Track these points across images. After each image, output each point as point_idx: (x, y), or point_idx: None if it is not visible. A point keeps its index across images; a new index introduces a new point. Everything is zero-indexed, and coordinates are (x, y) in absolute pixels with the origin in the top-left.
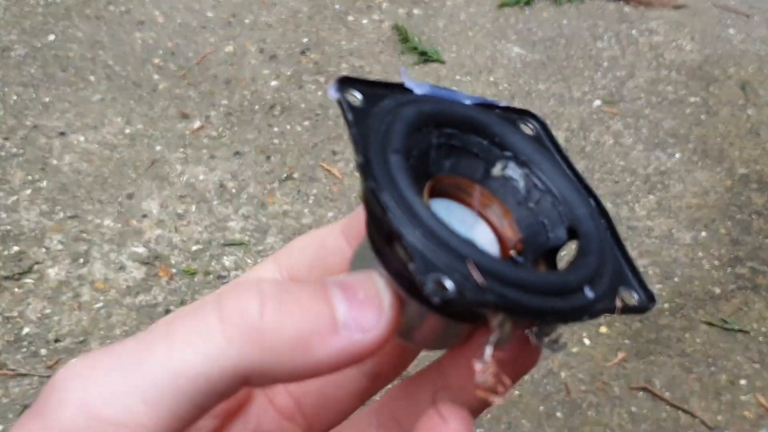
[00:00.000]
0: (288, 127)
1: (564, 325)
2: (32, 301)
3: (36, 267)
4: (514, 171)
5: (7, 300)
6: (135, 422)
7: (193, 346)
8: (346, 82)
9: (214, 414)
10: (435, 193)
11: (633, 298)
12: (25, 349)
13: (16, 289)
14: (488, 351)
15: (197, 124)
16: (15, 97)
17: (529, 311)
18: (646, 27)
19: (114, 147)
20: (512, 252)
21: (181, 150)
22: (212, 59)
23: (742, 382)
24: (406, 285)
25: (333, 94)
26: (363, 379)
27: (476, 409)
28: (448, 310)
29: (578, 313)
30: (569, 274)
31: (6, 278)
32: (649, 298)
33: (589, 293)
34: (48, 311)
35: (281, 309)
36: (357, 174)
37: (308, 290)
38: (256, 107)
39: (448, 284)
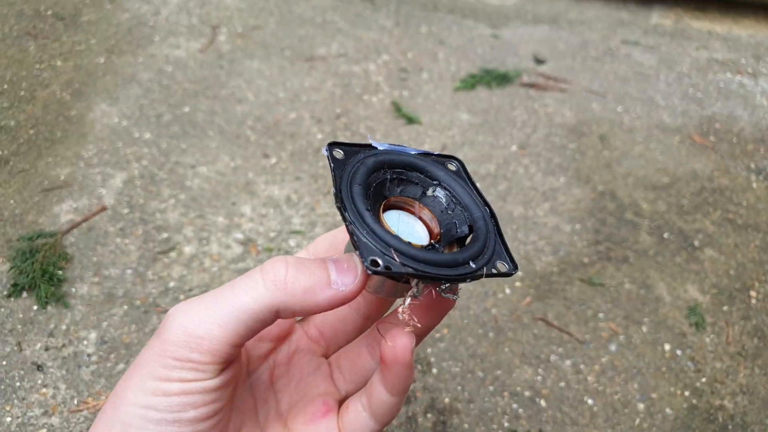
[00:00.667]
0: (326, 163)
1: (457, 284)
2: (175, 267)
3: (177, 246)
4: (439, 192)
5: (159, 266)
6: (212, 336)
7: (246, 293)
8: (333, 145)
9: (269, 339)
10: (391, 207)
11: (504, 267)
12: (170, 296)
13: (165, 260)
14: (407, 301)
15: (273, 160)
16: (165, 145)
17: (430, 276)
18: (542, 102)
19: (224, 174)
20: (432, 241)
21: (264, 176)
22: (283, 122)
23: (600, 315)
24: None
25: (324, 152)
26: (360, 318)
27: (418, 336)
28: (388, 276)
29: (462, 276)
30: (460, 253)
31: (159, 253)
32: (514, 266)
33: (472, 265)
34: (184, 273)
35: (298, 271)
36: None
37: (315, 262)
38: (309, 150)
39: (380, 262)
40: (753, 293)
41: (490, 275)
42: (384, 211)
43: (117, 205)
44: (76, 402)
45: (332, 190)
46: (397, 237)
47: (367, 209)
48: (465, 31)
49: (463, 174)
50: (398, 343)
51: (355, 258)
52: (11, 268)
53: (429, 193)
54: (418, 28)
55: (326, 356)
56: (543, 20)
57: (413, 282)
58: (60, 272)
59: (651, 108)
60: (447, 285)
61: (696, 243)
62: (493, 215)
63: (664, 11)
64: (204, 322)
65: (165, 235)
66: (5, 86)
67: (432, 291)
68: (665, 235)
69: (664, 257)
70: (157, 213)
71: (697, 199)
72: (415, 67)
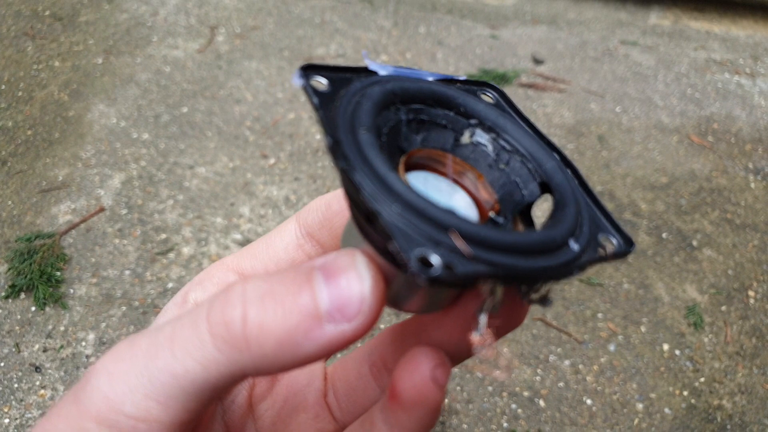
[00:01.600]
0: (326, 162)
1: (556, 283)
2: (173, 268)
3: (175, 247)
4: (481, 137)
5: (158, 267)
6: (152, 418)
7: (190, 355)
8: (310, 69)
9: None
10: (410, 167)
11: (612, 243)
12: (168, 297)
13: (164, 260)
14: (483, 320)
15: (272, 161)
16: (163, 146)
17: (522, 275)
18: (541, 103)
19: (222, 175)
20: (491, 214)
21: (262, 177)
22: (281, 122)
23: (599, 315)
24: (392, 260)
25: (296, 80)
26: None
27: (457, 359)
28: (451, 284)
29: (568, 269)
30: (553, 229)
31: (158, 254)
32: (627, 242)
33: (574, 246)
34: (183, 274)
35: (264, 312)
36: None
37: (291, 282)
38: (308, 150)
39: (434, 259)
40: (751, 293)
41: (602, 260)
42: (410, 167)
43: (115, 206)
44: None
45: (324, 142)
46: (450, 211)
47: (391, 169)
48: (463, 31)
49: (506, 107)
50: (422, 372)
51: (358, 260)
52: (9, 269)
53: (465, 139)
54: (416, 28)
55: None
56: (542, 21)
57: (486, 288)
58: (58, 273)
59: (649, 108)
60: (534, 286)
61: (694, 243)
62: (569, 163)
63: (663, 11)
64: (137, 396)
65: (163, 235)
66: (3, 87)
67: (515, 297)
68: (664, 235)
69: (662, 257)
70: (156, 214)
71: (695, 199)
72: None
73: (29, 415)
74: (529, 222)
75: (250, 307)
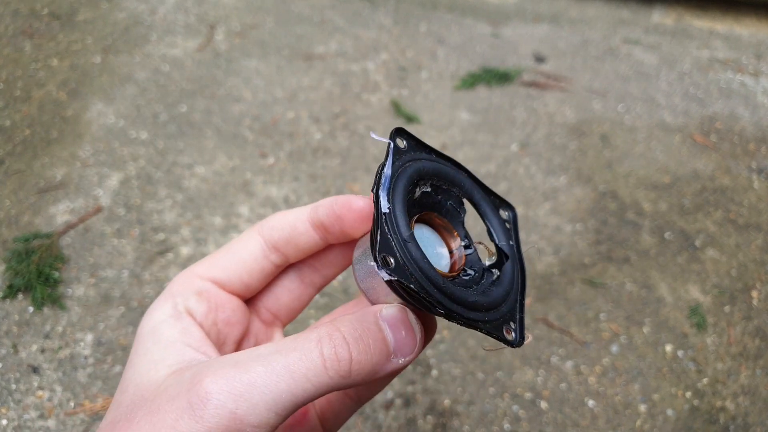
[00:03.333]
0: (326, 162)
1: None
2: (172, 268)
3: (174, 247)
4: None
5: (156, 267)
6: (269, 425)
7: (309, 381)
8: (399, 131)
9: (232, 342)
10: (425, 222)
11: (511, 335)
12: None
13: (162, 261)
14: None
15: (271, 160)
16: (161, 145)
17: (428, 301)
18: (543, 102)
19: (221, 174)
20: (458, 268)
21: (262, 176)
22: (280, 121)
23: (602, 315)
24: (412, 302)
25: (374, 136)
26: (314, 292)
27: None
28: (415, 303)
29: (474, 323)
30: (481, 297)
31: (156, 253)
32: (520, 339)
33: (485, 316)
34: None
35: (361, 354)
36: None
37: (372, 330)
38: (308, 150)
39: (391, 261)
40: (754, 293)
41: (495, 337)
42: (417, 221)
43: (113, 206)
44: (72, 404)
45: (372, 190)
46: (427, 261)
47: (407, 224)
48: (465, 29)
49: (511, 226)
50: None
51: (411, 318)
52: (7, 269)
53: (466, 240)
54: (417, 26)
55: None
56: (543, 19)
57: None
58: (56, 274)
59: (652, 107)
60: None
61: (697, 243)
62: (522, 270)
63: (666, 10)
64: (261, 410)
65: (162, 235)
66: (1, 86)
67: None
68: (666, 235)
69: (665, 257)
70: (154, 213)
71: (698, 199)
72: (415, 66)
73: (27, 417)
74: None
75: (353, 349)
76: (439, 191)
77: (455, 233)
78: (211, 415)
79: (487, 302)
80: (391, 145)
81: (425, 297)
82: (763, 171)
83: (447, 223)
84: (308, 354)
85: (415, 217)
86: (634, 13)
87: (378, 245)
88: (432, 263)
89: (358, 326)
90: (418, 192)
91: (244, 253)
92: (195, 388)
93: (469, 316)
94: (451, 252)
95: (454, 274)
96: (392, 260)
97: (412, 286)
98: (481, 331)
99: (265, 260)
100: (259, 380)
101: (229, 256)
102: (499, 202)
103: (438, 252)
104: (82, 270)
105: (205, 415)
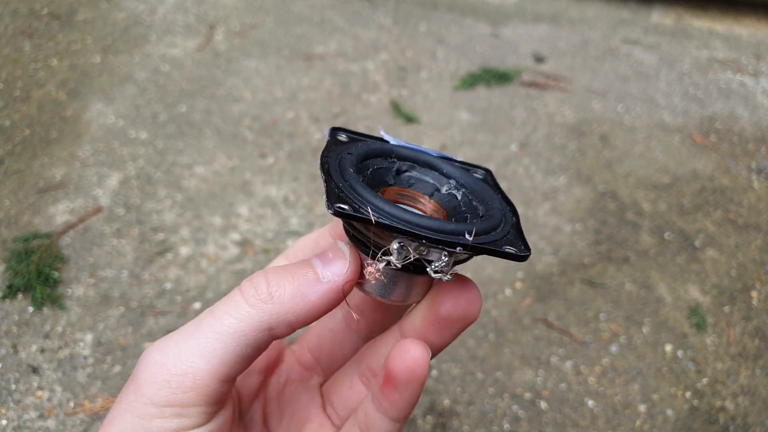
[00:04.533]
0: None
1: (451, 258)
2: (171, 268)
3: (173, 247)
4: (456, 191)
5: (156, 267)
6: (195, 370)
7: (228, 313)
8: (337, 130)
9: (257, 371)
10: (395, 200)
11: (512, 251)
12: (166, 298)
13: (162, 261)
14: (381, 263)
15: (271, 160)
16: (161, 145)
17: (409, 232)
18: (543, 102)
19: (220, 174)
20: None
21: (261, 176)
22: (280, 121)
23: (601, 315)
24: (363, 249)
25: (326, 134)
26: (359, 340)
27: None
28: (352, 219)
29: (454, 243)
30: (457, 224)
31: (155, 254)
32: (526, 248)
33: (468, 237)
34: (181, 274)
35: (280, 277)
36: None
37: (297, 263)
38: (307, 150)
39: (346, 206)
40: (754, 294)
41: (491, 251)
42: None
43: (113, 206)
44: (72, 405)
45: (320, 163)
46: (382, 199)
47: (359, 182)
48: (464, 29)
49: (489, 181)
50: (411, 353)
51: (341, 244)
52: (6, 269)
53: (443, 190)
54: (417, 26)
55: (322, 383)
56: (543, 19)
57: (395, 244)
58: (55, 274)
59: (651, 107)
60: (444, 259)
61: (697, 243)
62: (514, 212)
63: (665, 10)
64: (184, 354)
65: (161, 236)
66: (0, 86)
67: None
68: (666, 236)
69: (664, 257)
70: (154, 213)
71: (697, 199)
72: (414, 66)
73: (27, 417)
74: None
75: (270, 276)
76: (410, 174)
77: (421, 196)
78: (143, 371)
79: (471, 228)
80: (328, 134)
81: (395, 226)
82: (763, 171)
83: (412, 192)
84: (230, 296)
85: (382, 190)
86: (633, 13)
87: (328, 194)
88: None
89: (287, 264)
90: (370, 170)
91: None
92: (139, 362)
93: (447, 238)
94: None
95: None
96: (347, 206)
97: (384, 221)
98: (486, 253)
99: None
100: (184, 329)
101: None
102: (468, 167)
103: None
104: (82, 270)
105: (139, 373)
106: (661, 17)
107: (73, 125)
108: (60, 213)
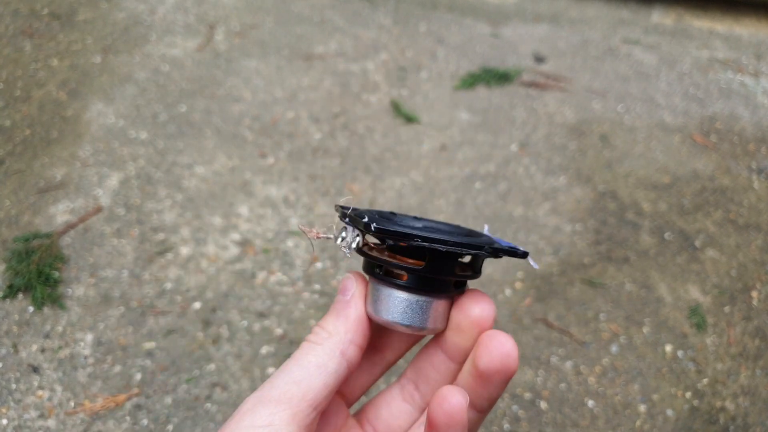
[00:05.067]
0: (326, 162)
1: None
2: (171, 268)
3: (173, 247)
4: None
5: (156, 267)
6: (291, 396)
7: (306, 356)
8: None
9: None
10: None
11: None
12: (166, 298)
13: (162, 261)
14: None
15: (271, 160)
16: (161, 145)
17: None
18: (543, 102)
19: (221, 174)
20: None
21: (261, 176)
22: (280, 121)
23: (601, 316)
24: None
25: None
26: (416, 412)
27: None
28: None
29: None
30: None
31: (156, 254)
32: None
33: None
34: (181, 274)
35: (327, 318)
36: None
37: (333, 304)
38: (307, 150)
39: (365, 220)
40: (754, 294)
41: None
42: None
43: (113, 206)
44: (72, 404)
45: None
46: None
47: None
48: (464, 29)
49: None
50: (450, 401)
51: (347, 274)
52: (7, 269)
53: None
54: (417, 26)
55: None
56: (543, 19)
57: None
58: (56, 273)
59: (652, 107)
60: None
61: (697, 243)
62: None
63: (665, 10)
64: (278, 387)
65: (161, 235)
66: (1, 86)
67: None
68: (666, 236)
69: (665, 258)
70: (154, 213)
71: (698, 199)
72: (414, 66)
73: (27, 416)
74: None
75: (320, 323)
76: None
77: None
78: (244, 409)
79: (473, 241)
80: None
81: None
82: (763, 171)
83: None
84: (300, 348)
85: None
86: (633, 13)
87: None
88: None
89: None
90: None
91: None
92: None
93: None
94: None
95: None
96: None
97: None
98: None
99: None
100: (272, 380)
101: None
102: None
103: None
104: (82, 270)
105: (240, 410)
106: (662, 17)
107: (73, 125)
108: (60, 213)
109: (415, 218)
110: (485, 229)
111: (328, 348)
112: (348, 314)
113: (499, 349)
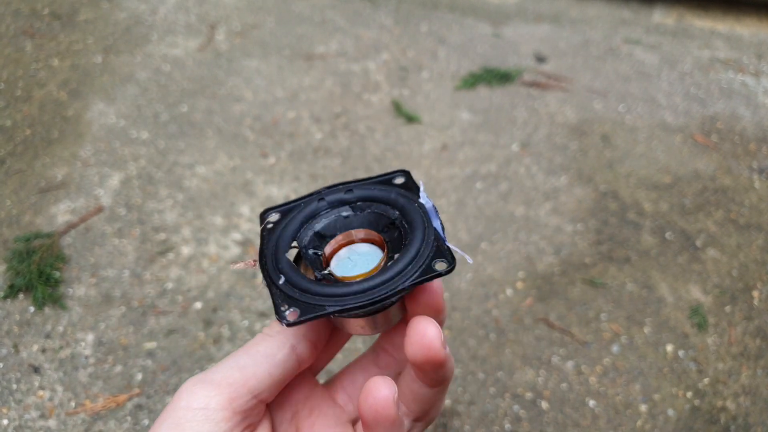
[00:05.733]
0: (327, 162)
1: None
2: (172, 268)
3: (175, 247)
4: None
5: (157, 267)
6: (231, 378)
7: (257, 345)
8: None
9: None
10: (339, 249)
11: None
12: (168, 297)
13: (163, 261)
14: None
15: (272, 160)
16: (162, 145)
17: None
18: (544, 101)
19: (222, 174)
20: (389, 254)
21: (263, 176)
22: (281, 121)
23: (602, 315)
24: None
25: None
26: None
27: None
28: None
29: (380, 298)
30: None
31: (157, 253)
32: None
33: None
34: (182, 274)
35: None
36: None
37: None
38: (308, 150)
39: (289, 314)
40: (755, 293)
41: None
42: (334, 254)
43: (114, 206)
44: (73, 404)
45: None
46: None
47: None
48: (466, 29)
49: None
50: (376, 395)
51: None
52: (8, 269)
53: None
54: (418, 26)
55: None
56: (544, 19)
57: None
58: (57, 273)
59: (653, 107)
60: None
61: (698, 243)
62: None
63: (666, 10)
64: (220, 369)
65: (162, 235)
66: (1, 86)
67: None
68: (667, 236)
69: (666, 257)
70: (155, 213)
71: (699, 199)
72: (416, 66)
73: (28, 416)
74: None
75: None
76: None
77: (351, 234)
78: (184, 400)
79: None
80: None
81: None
82: (764, 171)
83: (368, 231)
84: (255, 337)
85: (335, 246)
86: (634, 13)
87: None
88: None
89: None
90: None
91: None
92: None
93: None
94: (373, 242)
95: (388, 258)
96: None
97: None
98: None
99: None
100: (219, 364)
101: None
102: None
103: (366, 255)
104: (83, 270)
105: (179, 403)
106: (663, 17)
107: (74, 125)
108: (61, 213)
109: (348, 189)
110: (420, 187)
111: (279, 340)
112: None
113: (420, 339)
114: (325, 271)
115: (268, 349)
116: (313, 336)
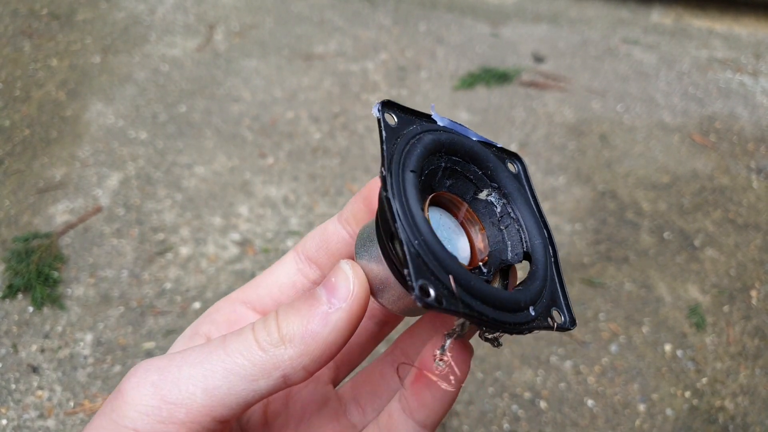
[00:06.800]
0: (326, 162)
1: (509, 333)
2: (171, 268)
3: (173, 247)
4: (495, 199)
5: (155, 267)
6: (192, 404)
7: (241, 354)
8: (387, 105)
9: None
10: (434, 203)
11: (560, 318)
12: (166, 298)
13: (161, 261)
14: (447, 342)
15: (271, 160)
16: (161, 145)
17: (487, 321)
18: (542, 102)
19: (220, 174)
20: (480, 263)
21: (261, 176)
22: (280, 121)
23: (601, 315)
24: (397, 273)
25: (375, 113)
26: (374, 326)
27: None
28: (436, 311)
29: (522, 327)
30: (521, 294)
31: (155, 254)
32: (572, 321)
33: (532, 312)
34: (181, 274)
35: (289, 317)
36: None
37: (303, 297)
38: (307, 150)
39: (432, 291)
40: (753, 293)
41: (548, 329)
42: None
43: (113, 206)
44: (72, 404)
45: (381, 170)
46: (454, 257)
47: (420, 208)
48: (464, 29)
49: (523, 179)
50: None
51: (344, 266)
52: (6, 269)
53: (482, 196)
54: (416, 26)
55: (335, 382)
56: (543, 19)
57: (458, 322)
58: (55, 274)
59: (651, 107)
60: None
61: (696, 243)
62: (551, 242)
63: (665, 9)
64: (184, 384)
65: (161, 236)
66: (0, 86)
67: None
68: (665, 235)
69: (664, 257)
70: (153, 213)
71: (697, 199)
72: (414, 66)
73: (27, 416)
74: (505, 279)
75: (281, 315)
76: (454, 169)
77: (460, 203)
78: (130, 391)
79: (530, 296)
80: (379, 117)
81: (478, 317)
82: (762, 171)
83: (452, 196)
84: (240, 332)
85: (429, 198)
86: (633, 13)
87: (412, 269)
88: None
89: (294, 301)
90: (423, 177)
91: (279, 270)
92: (119, 385)
93: (515, 320)
94: (469, 237)
95: (478, 265)
96: (432, 290)
97: (461, 311)
98: (531, 332)
99: (297, 275)
100: (191, 357)
101: (264, 276)
102: (504, 155)
103: (454, 239)
104: (82, 270)
105: (125, 392)
106: (661, 17)
107: (72, 125)
108: (60, 213)
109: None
110: (432, 108)
111: (270, 362)
112: (319, 332)
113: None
114: (476, 268)
115: (247, 371)
116: (315, 367)
